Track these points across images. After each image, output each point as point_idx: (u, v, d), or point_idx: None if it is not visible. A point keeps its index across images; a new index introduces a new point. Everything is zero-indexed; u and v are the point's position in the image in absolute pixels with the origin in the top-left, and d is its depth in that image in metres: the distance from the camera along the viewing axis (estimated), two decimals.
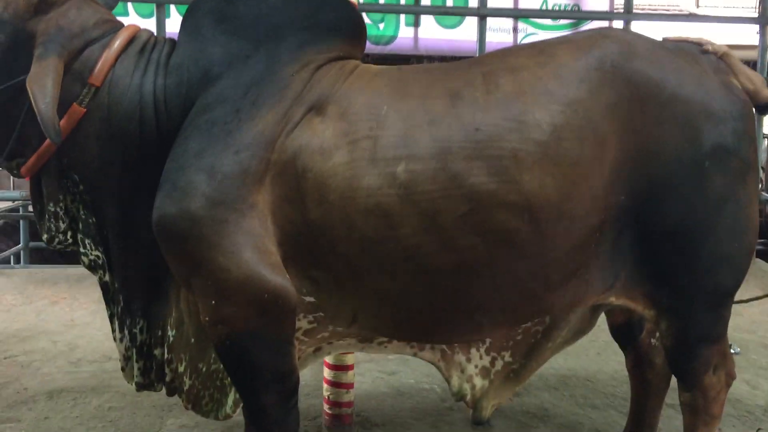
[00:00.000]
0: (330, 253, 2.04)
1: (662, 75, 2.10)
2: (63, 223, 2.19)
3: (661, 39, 2.31)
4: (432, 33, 7.53)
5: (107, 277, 2.25)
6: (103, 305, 4.42)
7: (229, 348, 2.02)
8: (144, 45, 2.17)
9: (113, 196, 2.14)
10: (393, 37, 7.50)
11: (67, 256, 6.97)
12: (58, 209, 2.18)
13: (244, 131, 2.00)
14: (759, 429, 3.12)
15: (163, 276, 2.19)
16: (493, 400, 2.45)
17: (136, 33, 2.17)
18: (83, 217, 2.19)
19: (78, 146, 2.09)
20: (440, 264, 2.01)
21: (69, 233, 2.21)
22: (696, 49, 2.26)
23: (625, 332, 2.54)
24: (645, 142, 2.07)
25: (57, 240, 2.21)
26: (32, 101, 1.96)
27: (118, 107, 2.09)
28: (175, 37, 2.21)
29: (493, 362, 2.43)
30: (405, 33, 7.53)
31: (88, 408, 3.18)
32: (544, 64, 2.09)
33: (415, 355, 2.41)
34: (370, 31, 6.17)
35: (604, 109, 2.04)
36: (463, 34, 7.39)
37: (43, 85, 1.97)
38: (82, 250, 2.22)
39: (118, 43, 2.11)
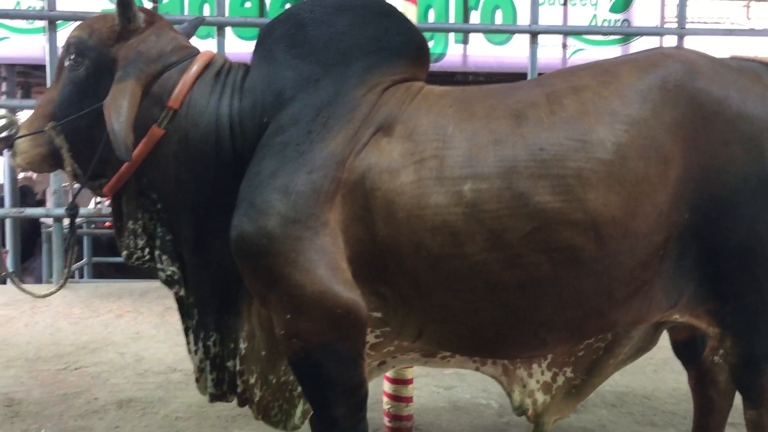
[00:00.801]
0: (397, 270, 2.10)
1: (726, 93, 2.13)
2: (141, 240, 2.30)
3: (729, 56, 2.34)
4: (481, 50, 7.58)
5: (183, 292, 2.35)
6: (166, 318, 4.69)
7: (303, 361, 2.10)
8: (220, 69, 2.28)
9: (189, 214, 2.25)
10: (442, 55, 7.58)
11: (124, 272, 7.23)
12: (137, 227, 2.29)
13: (316, 152, 2.08)
14: None
15: (235, 291, 2.28)
16: (554, 415, 2.48)
17: (213, 58, 2.29)
18: (160, 234, 2.29)
19: (157, 167, 2.21)
20: (506, 281, 2.06)
21: (147, 250, 2.32)
22: (760, 68, 2.28)
23: (688, 349, 2.54)
24: (709, 161, 2.10)
25: (135, 256, 2.33)
26: (107, 121, 2.09)
27: (196, 129, 2.20)
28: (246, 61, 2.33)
29: (554, 378, 2.46)
30: (454, 50, 7.59)
31: (156, 418, 3.31)
32: (608, 84, 2.13)
33: (477, 369, 2.46)
34: None
35: (667, 128, 2.08)
36: (512, 51, 7.42)
37: (118, 106, 2.10)
38: (159, 266, 2.33)
39: (195, 68, 2.22)
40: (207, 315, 2.33)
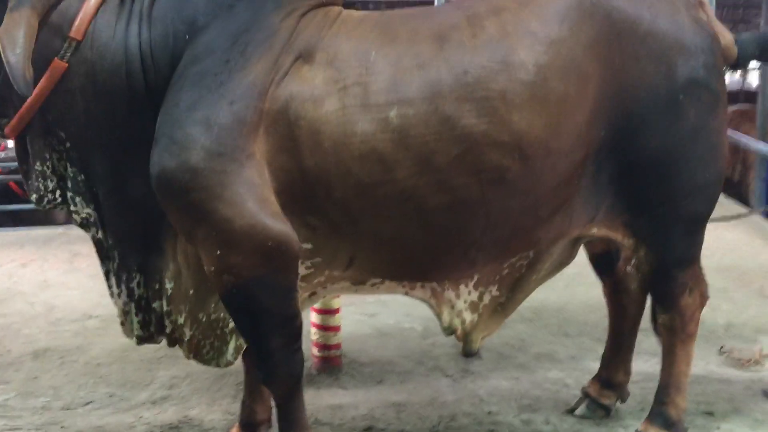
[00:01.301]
0: (326, 200, 2.08)
1: (638, 11, 2.18)
2: (51, 182, 2.18)
3: None
4: None
5: (100, 234, 2.25)
6: (75, 265, 4.51)
7: (236, 296, 2.07)
8: None
9: (102, 151, 2.13)
10: None
11: (19, 221, 6.83)
12: (45, 168, 2.16)
13: (236, 82, 2.01)
14: (721, 347, 3.33)
15: (157, 229, 2.21)
16: (481, 332, 2.55)
17: None
18: (71, 174, 2.18)
19: (62, 102, 2.07)
20: (436, 204, 2.08)
21: (58, 192, 2.20)
22: None
23: (603, 261, 2.66)
24: (623, 78, 2.16)
25: (46, 200, 2.20)
26: (1, 53, 1.94)
27: (103, 62, 2.07)
28: None
29: (481, 297, 2.52)
30: None
31: (76, 366, 3.22)
32: (526, 4, 2.14)
33: (406, 294, 2.48)
34: None
35: (585, 47, 2.12)
36: None
37: (13, 37, 1.95)
38: (72, 208, 2.21)
39: None
40: (128, 256, 2.25)
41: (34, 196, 2.20)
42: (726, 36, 2.33)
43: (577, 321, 3.67)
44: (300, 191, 2.07)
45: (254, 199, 1.99)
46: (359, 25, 2.16)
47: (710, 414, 2.75)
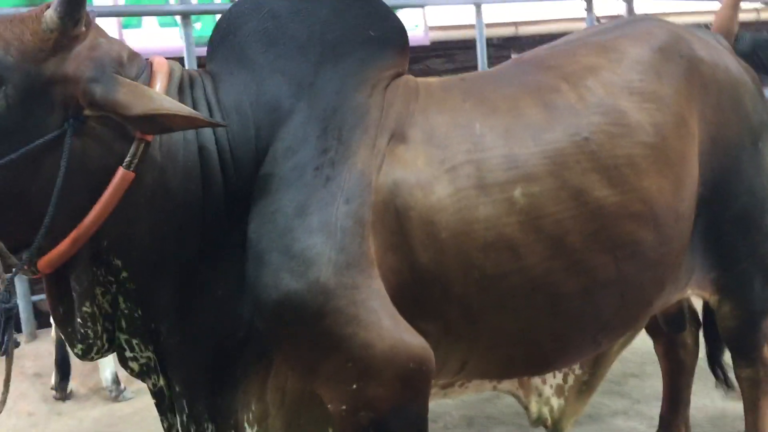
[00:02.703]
0: (442, 300, 1.77)
1: (714, 58, 2.11)
2: (100, 325, 1.66)
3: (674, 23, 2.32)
4: None
5: (161, 382, 1.76)
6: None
7: None
8: (180, 82, 1.69)
9: (167, 277, 1.67)
10: None
11: None
12: (95, 309, 1.64)
13: (344, 175, 1.65)
14: None
15: (232, 365, 1.76)
16: (570, 417, 2.34)
17: (171, 68, 1.69)
18: (126, 312, 1.68)
19: (124, 221, 1.58)
20: (569, 290, 1.83)
21: (105, 336, 1.69)
22: (707, 32, 2.31)
23: (671, 320, 2.55)
24: (713, 130, 2.07)
25: (96, 348, 1.68)
26: (164, 109, 1.49)
27: (175, 165, 1.61)
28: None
29: (565, 378, 2.31)
30: None
31: None
32: (618, 60, 1.99)
33: (494, 389, 2.22)
34: None
35: (685, 100, 2.00)
36: None
37: (150, 94, 1.52)
38: (128, 354, 1.71)
39: (160, 85, 1.61)
40: (196, 403, 1.77)
41: (80, 348, 1.66)
42: None
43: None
44: (411, 294, 1.74)
45: (387, 314, 1.64)
46: (446, 96, 1.88)
47: None
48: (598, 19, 5.38)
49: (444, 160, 1.76)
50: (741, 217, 2.15)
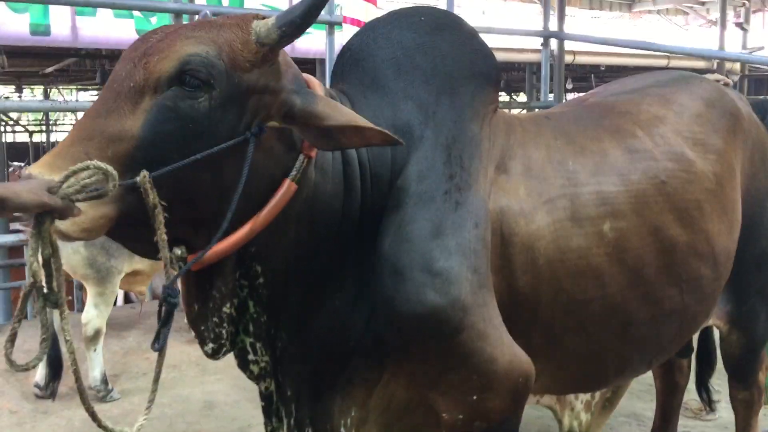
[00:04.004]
0: (530, 321, 1.92)
1: (751, 116, 2.39)
2: (231, 326, 1.71)
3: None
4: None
5: (273, 386, 1.81)
6: None
7: None
8: None
9: (299, 286, 1.73)
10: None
11: None
12: (233, 311, 1.69)
13: (471, 200, 1.78)
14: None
15: (337, 371, 1.84)
16: (595, 431, 2.54)
17: (321, 86, 1.76)
18: (254, 316, 1.73)
19: (274, 231, 1.64)
20: (641, 317, 2.03)
21: (229, 338, 1.73)
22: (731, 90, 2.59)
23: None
24: (748, 180, 2.33)
25: (225, 349, 1.71)
26: (357, 125, 1.56)
27: (325, 181, 1.69)
28: None
29: (593, 395, 2.51)
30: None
31: None
32: (680, 113, 2.22)
33: (537, 402, 2.39)
34: None
35: (732, 152, 2.25)
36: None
37: (347, 112, 1.60)
38: (251, 357, 1.75)
39: None
40: (302, 408, 1.84)
41: (211, 347, 1.69)
42: None
43: None
44: (505, 314, 1.88)
45: (505, 331, 1.78)
46: (539, 131, 2.05)
47: None
48: None
49: (542, 192, 1.92)
50: (758, 258, 2.43)
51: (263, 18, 1.57)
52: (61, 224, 1.41)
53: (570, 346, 2.00)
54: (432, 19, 1.95)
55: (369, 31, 1.92)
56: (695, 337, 2.90)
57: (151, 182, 1.45)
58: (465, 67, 1.94)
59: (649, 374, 2.88)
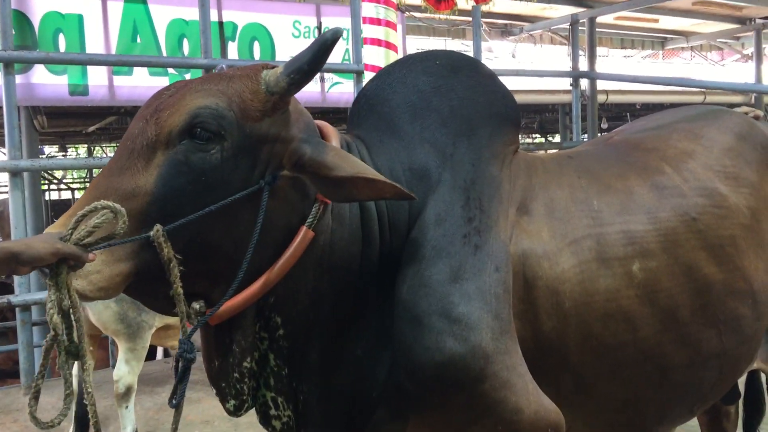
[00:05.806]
0: (559, 368, 1.84)
1: None
2: (252, 381, 1.68)
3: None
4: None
5: None
6: None
7: None
8: (340, 146, 1.76)
9: (319, 337, 1.69)
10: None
11: None
12: (254, 365, 1.66)
13: (491, 243, 1.73)
14: None
15: (361, 423, 1.78)
16: None
17: (336, 133, 1.75)
18: (275, 369, 1.69)
19: (292, 280, 1.62)
20: (677, 361, 1.94)
21: (251, 393, 1.70)
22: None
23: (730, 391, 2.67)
24: None
25: (246, 405, 1.68)
26: (367, 177, 1.53)
27: (342, 227, 1.66)
28: None
29: None
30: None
31: None
32: (710, 147, 2.15)
33: None
34: None
35: (766, 185, 2.17)
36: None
37: (355, 161, 1.57)
38: (273, 412, 1.71)
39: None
40: None
41: (232, 404, 1.66)
42: None
43: None
44: (531, 360, 1.81)
45: (530, 379, 1.71)
46: (562, 171, 2.00)
47: None
48: None
49: (566, 233, 1.86)
50: None
51: (272, 67, 1.57)
52: (78, 284, 1.42)
53: (603, 393, 1.91)
54: (448, 62, 1.94)
55: (384, 76, 1.91)
56: (742, 382, 2.79)
57: (165, 236, 1.44)
58: (482, 109, 1.91)
59: (695, 422, 2.76)
